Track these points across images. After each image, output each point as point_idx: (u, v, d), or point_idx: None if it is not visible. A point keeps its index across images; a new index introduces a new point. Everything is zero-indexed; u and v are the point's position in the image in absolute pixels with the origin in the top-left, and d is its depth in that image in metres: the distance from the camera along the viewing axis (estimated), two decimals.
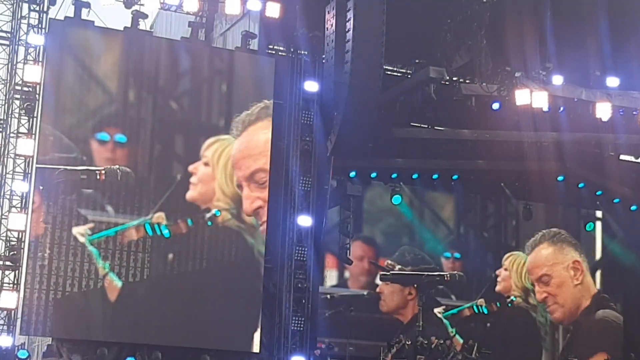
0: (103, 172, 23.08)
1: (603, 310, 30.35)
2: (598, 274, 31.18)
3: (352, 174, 27.94)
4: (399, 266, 28.64)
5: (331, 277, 28.48)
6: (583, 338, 29.66)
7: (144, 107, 23.78)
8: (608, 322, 30.22)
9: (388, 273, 28.46)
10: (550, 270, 30.05)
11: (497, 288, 29.71)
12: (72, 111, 23.06)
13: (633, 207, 31.27)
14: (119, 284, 22.77)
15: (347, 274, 28.61)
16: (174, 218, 23.40)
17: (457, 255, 29.98)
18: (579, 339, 29.59)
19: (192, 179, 23.70)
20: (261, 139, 24.42)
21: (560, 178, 30.28)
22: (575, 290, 30.12)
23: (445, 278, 28.34)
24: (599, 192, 30.94)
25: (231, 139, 24.19)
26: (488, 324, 29.37)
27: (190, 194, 23.60)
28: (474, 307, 29.24)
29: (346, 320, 26.09)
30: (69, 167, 22.75)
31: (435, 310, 28.73)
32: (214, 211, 23.70)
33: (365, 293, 28.39)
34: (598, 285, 31.02)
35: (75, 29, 23.34)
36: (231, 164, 24.03)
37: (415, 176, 29.15)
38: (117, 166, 23.28)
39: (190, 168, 23.75)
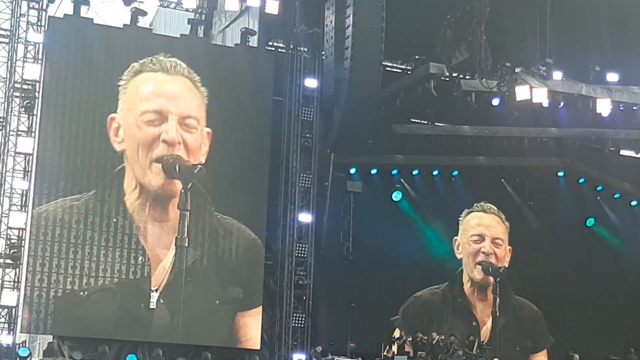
0: None
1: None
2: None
3: (352, 170, 27.91)
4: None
5: None
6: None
7: None
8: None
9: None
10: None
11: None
12: (72, 109, 23.05)
13: (633, 202, 31.25)
14: None
15: None
16: None
17: None
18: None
19: None
20: None
21: (560, 173, 30.31)
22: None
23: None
24: (599, 188, 30.92)
25: None
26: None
27: None
28: None
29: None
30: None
31: None
32: None
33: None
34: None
35: (75, 27, 23.35)
36: None
37: (415, 172, 29.15)
38: None
39: None
